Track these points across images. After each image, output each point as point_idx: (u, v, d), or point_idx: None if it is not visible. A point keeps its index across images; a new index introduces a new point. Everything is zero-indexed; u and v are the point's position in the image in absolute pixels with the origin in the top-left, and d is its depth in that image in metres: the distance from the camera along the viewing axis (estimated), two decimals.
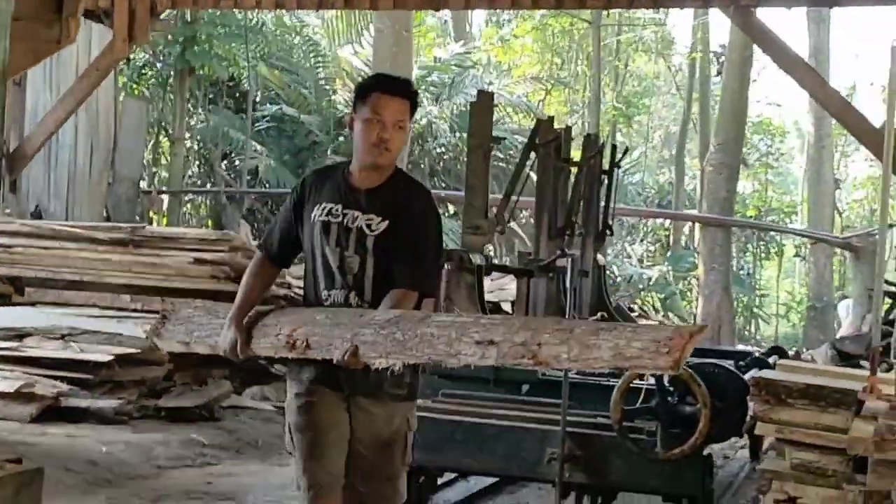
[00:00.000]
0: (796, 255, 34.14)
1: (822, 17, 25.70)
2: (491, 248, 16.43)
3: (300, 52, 23.40)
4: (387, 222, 4.15)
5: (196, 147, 22.51)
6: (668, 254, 30.60)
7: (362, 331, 3.72)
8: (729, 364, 6.86)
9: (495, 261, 15.32)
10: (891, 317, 10.49)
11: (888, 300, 11.34)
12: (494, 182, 16.76)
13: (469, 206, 8.59)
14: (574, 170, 9.31)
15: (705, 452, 6.47)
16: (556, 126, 9.33)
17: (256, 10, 17.61)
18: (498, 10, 28.66)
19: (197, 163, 23.04)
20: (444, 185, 22.60)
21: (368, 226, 4.15)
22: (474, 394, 7.10)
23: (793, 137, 40.09)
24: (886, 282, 11.25)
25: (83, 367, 9.34)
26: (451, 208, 21.74)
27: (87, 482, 7.44)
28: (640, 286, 27.88)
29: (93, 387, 9.35)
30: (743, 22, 10.33)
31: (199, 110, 21.82)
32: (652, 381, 6.08)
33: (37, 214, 13.91)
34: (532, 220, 11.54)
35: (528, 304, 8.52)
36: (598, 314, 8.38)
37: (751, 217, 32.00)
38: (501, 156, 21.18)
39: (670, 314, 24.88)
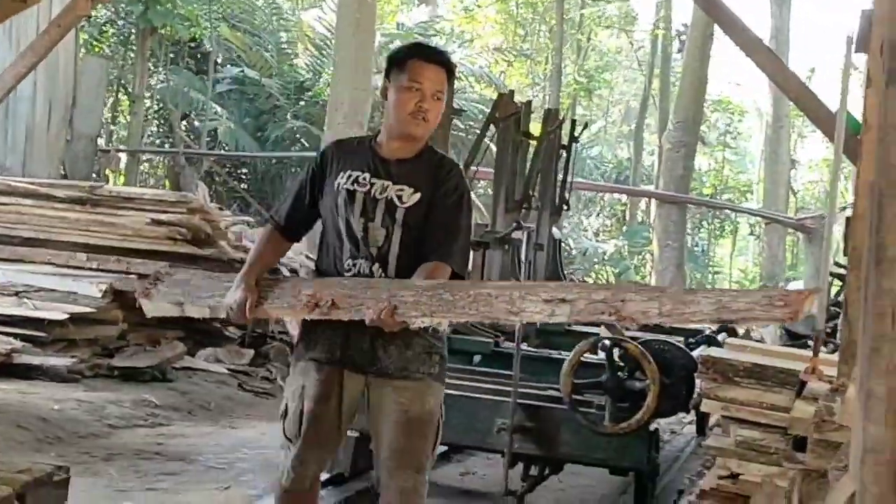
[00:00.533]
0: (751, 233, 34.47)
1: None
2: None
3: (263, 15, 23.25)
4: (419, 195, 3.94)
5: (156, 107, 22.35)
6: (624, 229, 30.80)
7: (401, 293, 3.57)
8: (679, 341, 6.93)
9: None
10: (839, 299, 10.62)
11: (837, 283, 11.48)
12: (454, 152, 16.83)
13: None
14: (533, 143, 9.34)
15: (652, 427, 6.55)
16: (517, 99, 9.35)
17: None
18: None
19: (156, 123, 22.90)
20: None
21: (399, 197, 3.94)
22: None
23: (752, 117, 40.35)
24: (836, 264, 11.41)
25: (37, 325, 9.33)
26: None
27: (38, 439, 7.43)
28: (595, 260, 28.06)
29: (46, 344, 9.34)
30: (704, 1, 10.39)
31: (160, 70, 21.67)
32: (602, 356, 6.15)
33: None
34: (490, 192, 11.58)
35: (482, 275, 8.56)
36: None
37: (707, 195, 32.25)
38: (462, 126, 21.20)
39: None
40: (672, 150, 21.14)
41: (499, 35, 31.82)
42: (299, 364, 4.06)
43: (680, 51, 27.84)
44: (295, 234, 4.28)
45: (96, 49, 20.66)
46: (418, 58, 3.96)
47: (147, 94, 20.68)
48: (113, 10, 19.88)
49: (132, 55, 20.47)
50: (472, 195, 4.34)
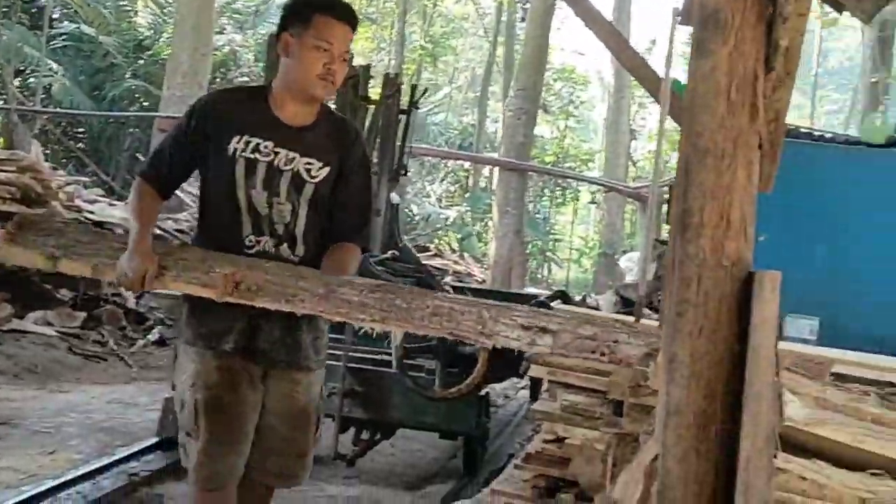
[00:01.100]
0: (591, 202, 35.04)
1: None
2: None
3: None
4: (328, 168, 3.73)
5: None
6: (467, 195, 31.01)
7: (341, 290, 3.31)
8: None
9: None
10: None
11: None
12: None
13: None
14: (372, 108, 9.30)
15: (483, 392, 6.62)
16: (357, 63, 9.29)
17: None
18: None
19: None
20: None
21: (308, 171, 3.71)
22: None
23: (595, 87, 40.99)
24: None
25: None
26: None
27: None
28: (438, 226, 28.19)
29: None
30: None
31: None
32: None
33: None
34: None
35: None
36: (389, 253, 8.44)
37: (549, 163, 32.62)
38: None
39: (466, 254, 25.26)
40: (513, 117, 21.28)
41: None
42: (191, 349, 3.74)
43: (523, 20, 28.02)
44: (170, 192, 3.90)
45: None
46: (327, 13, 3.65)
47: None
48: None
49: None
50: None
